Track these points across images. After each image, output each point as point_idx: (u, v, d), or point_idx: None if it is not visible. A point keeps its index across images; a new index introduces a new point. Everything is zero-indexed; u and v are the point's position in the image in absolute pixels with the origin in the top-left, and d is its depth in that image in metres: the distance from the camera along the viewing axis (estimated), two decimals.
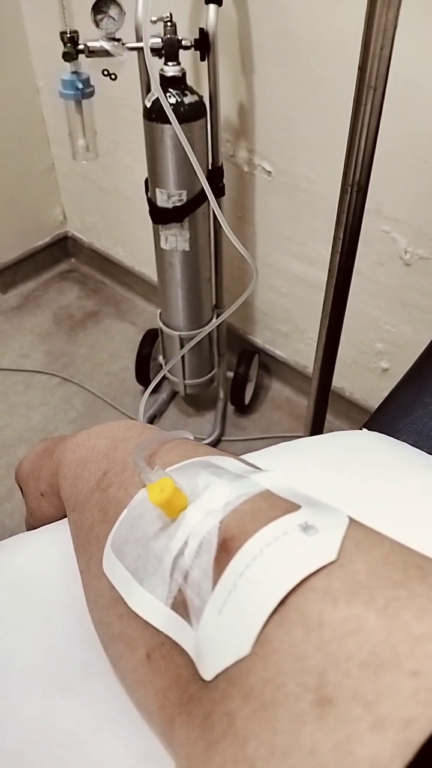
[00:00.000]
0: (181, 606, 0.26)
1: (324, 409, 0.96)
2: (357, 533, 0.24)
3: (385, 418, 0.65)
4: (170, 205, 1.17)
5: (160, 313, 1.37)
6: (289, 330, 1.49)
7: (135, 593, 0.27)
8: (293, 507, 0.26)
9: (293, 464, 0.45)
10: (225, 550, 0.25)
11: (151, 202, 1.19)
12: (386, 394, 1.41)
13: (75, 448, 0.40)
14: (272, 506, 0.26)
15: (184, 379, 1.42)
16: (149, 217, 1.21)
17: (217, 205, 0.60)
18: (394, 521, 0.27)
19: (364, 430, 0.62)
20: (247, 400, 1.52)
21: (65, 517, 0.43)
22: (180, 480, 0.29)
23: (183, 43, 1.06)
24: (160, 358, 1.51)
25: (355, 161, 0.64)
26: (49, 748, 0.29)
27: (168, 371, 1.44)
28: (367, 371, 1.37)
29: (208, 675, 0.23)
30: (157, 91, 0.70)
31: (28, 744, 0.29)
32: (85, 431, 0.42)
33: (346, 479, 0.42)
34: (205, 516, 0.27)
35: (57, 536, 0.41)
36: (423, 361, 0.71)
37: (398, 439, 0.55)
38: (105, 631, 0.30)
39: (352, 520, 0.25)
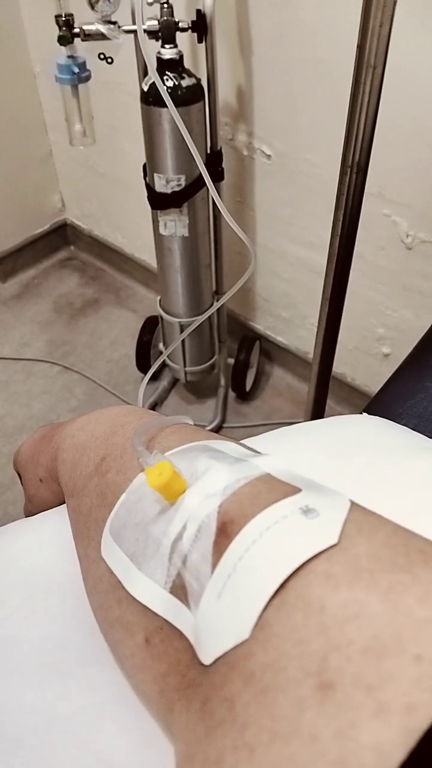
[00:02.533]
0: (179, 590, 0.25)
1: (324, 395, 0.95)
2: (358, 517, 0.24)
3: (386, 402, 0.64)
4: (169, 191, 1.16)
5: (160, 300, 1.36)
6: (290, 316, 1.48)
7: (133, 577, 0.27)
8: (294, 490, 0.26)
9: (293, 448, 0.45)
10: (224, 534, 0.24)
11: (150, 188, 1.18)
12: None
13: (74, 434, 0.40)
14: (272, 489, 0.26)
15: (185, 366, 1.41)
16: (148, 202, 1.20)
17: (215, 190, 0.59)
18: (396, 506, 0.27)
19: (365, 414, 0.62)
20: (248, 387, 1.52)
21: (64, 503, 0.43)
22: (179, 464, 0.29)
23: (180, 25, 1.04)
24: (161, 345, 1.50)
25: (354, 142, 0.63)
26: (48, 734, 0.29)
27: (169, 358, 1.43)
28: (369, 356, 1.37)
29: (207, 659, 0.23)
30: (153, 74, 0.69)
31: (27, 730, 0.29)
32: (84, 416, 0.42)
33: (347, 464, 0.42)
34: (204, 499, 0.26)
35: (56, 522, 0.41)
36: (423, 345, 0.70)
37: (399, 423, 0.55)
38: (103, 615, 0.30)
39: (353, 504, 0.25)
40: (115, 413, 0.41)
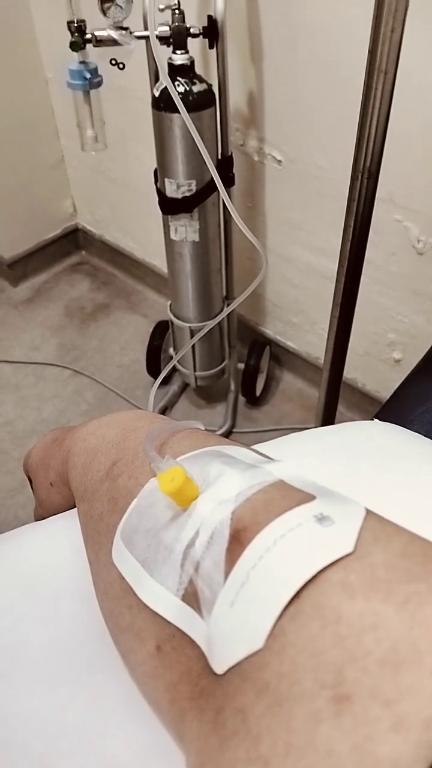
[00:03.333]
0: (192, 597, 0.25)
1: (335, 400, 0.95)
2: (374, 525, 0.24)
3: (397, 409, 0.64)
4: (179, 196, 1.16)
5: (171, 305, 1.36)
6: (300, 321, 1.48)
7: (145, 584, 0.27)
8: (308, 497, 0.25)
9: (303, 454, 0.45)
10: (237, 541, 0.24)
11: (161, 193, 1.19)
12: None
13: (85, 437, 0.40)
14: (286, 496, 0.26)
15: (195, 370, 1.41)
16: (159, 208, 1.20)
17: (226, 195, 0.59)
18: (410, 514, 0.26)
19: (376, 420, 0.62)
20: (258, 392, 1.52)
21: (74, 507, 0.43)
22: (191, 469, 0.28)
23: (191, 31, 1.05)
24: (171, 350, 1.50)
25: (365, 147, 0.63)
26: (57, 741, 0.29)
27: (179, 363, 1.43)
28: (380, 362, 1.36)
29: (219, 668, 0.23)
30: (164, 79, 0.69)
31: (34, 737, 0.29)
32: (95, 420, 0.42)
33: (360, 470, 0.41)
34: (217, 506, 0.26)
35: (66, 526, 0.41)
36: None
37: (410, 429, 0.55)
38: (114, 622, 0.29)
39: (368, 512, 0.25)
40: (126, 417, 0.41)
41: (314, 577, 0.22)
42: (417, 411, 0.61)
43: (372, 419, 0.63)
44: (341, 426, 0.54)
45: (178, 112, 1.10)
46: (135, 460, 0.33)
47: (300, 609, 0.21)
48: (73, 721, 0.29)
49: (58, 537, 0.41)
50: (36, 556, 0.39)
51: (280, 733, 0.19)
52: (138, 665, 0.27)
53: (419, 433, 0.54)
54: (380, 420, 0.62)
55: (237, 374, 1.51)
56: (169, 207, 1.19)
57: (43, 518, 0.45)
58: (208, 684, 0.23)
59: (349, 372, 1.42)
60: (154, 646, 0.26)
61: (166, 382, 1.59)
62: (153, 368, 1.57)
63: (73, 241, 1.99)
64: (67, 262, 1.99)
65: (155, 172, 1.19)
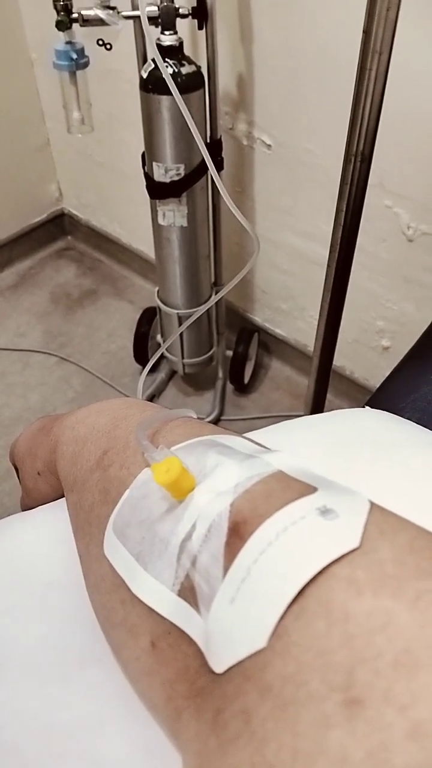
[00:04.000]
0: (188, 592, 0.24)
1: (325, 388, 0.95)
2: (379, 518, 0.23)
3: (389, 396, 0.63)
4: (168, 180, 1.14)
5: (158, 291, 1.35)
6: (289, 308, 1.47)
7: (139, 578, 0.26)
8: (309, 489, 0.24)
9: (297, 443, 0.44)
10: (237, 535, 0.23)
11: (149, 177, 1.17)
12: (388, 373, 1.39)
13: (74, 426, 0.39)
14: (286, 488, 0.25)
15: (183, 358, 1.40)
16: (146, 192, 1.18)
17: (218, 178, 0.58)
18: (408, 504, 0.26)
19: (367, 408, 0.61)
20: (246, 379, 1.51)
21: (62, 497, 0.42)
22: (186, 459, 0.27)
23: (180, 11, 1.03)
24: (159, 336, 1.49)
25: (359, 130, 0.62)
26: (48, 740, 0.28)
27: (166, 350, 1.42)
28: (368, 349, 1.36)
29: (219, 667, 0.22)
30: (156, 58, 0.67)
31: (25, 736, 0.28)
32: (83, 408, 0.41)
33: (352, 459, 0.41)
34: (215, 497, 0.25)
35: (54, 517, 0.40)
36: (427, 337, 0.69)
37: (402, 416, 0.54)
38: (106, 616, 0.29)
39: (372, 504, 0.24)
40: (116, 405, 0.40)
41: (319, 573, 0.21)
42: (408, 398, 0.61)
43: (363, 407, 0.62)
44: (333, 414, 0.53)
45: (167, 94, 1.08)
46: (126, 449, 0.32)
47: (305, 606, 0.20)
48: (64, 718, 0.28)
49: (46, 527, 0.40)
50: (23, 546, 0.39)
51: (287, 738, 0.18)
52: (131, 661, 0.27)
53: (411, 420, 0.54)
54: (372, 407, 0.62)
55: (225, 361, 1.50)
56: (157, 191, 1.17)
57: (30, 508, 0.44)
58: (207, 683, 0.22)
59: (338, 359, 1.41)
60: (148, 642, 0.25)
61: (153, 369, 1.58)
62: (140, 355, 1.56)
63: (59, 226, 1.96)
64: (52, 248, 1.96)
65: (143, 155, 1.17)
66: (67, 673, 0.30)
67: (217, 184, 0.57)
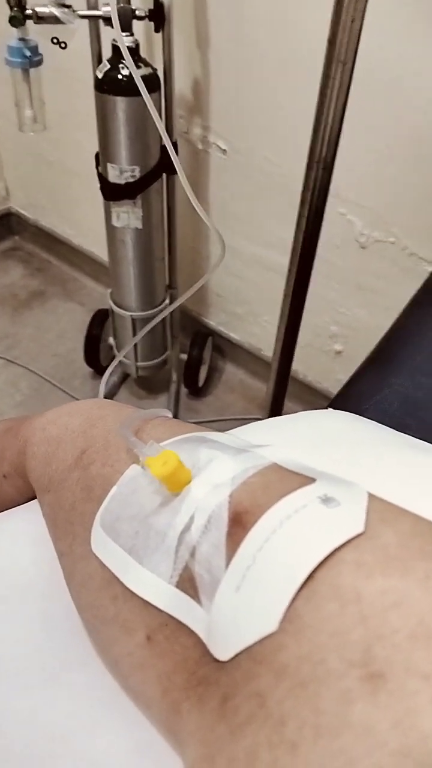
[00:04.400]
0: (187, 584, 0.24)
1: (283, 391, 0.96)
2: (378, 506, 0.24)
3: (351, 399, 0.65)
4: (122, 181, 1.13)
5: (111, 293, 1.34)
6: (243, 312, 1.48)
7: (133, 572, 0.26)
8: (308, 480, 0.25)
9: (278, 442, 0.44)
10: (239, 524, 0.24)
11: (103, 178, 1.16)
12: (340, 376, 1.42)
13: (45, 427, 0.38)
14: (284, 479, 0.25)
15: (137, 361, 1.39)
16: (100, 193, 1.17)
17: (184, 176, 0.57)
18: (398, 497, 0.26)
19: (331, 409, 0.62)
20: (200, 383, 1.51)
21: (29, 500, 0.41)
22: (178, 454, 0.27)
23: (137, 13, 1.02)
24: (110, 339, 1.47)
25: (321, 137, 0.63)
26: (36, 742, 0.27)
27: (119, 353, 1.41)
28: (321, 353, 1.38)
29: (224, 655, 0.22)
30: (126, 59, 0.67)
31: (12, 739, 0.27)
32: (53, 410, 0.40)
33: (326, 457, 0.41)
34: (213, 489, 0.25)
35: (23, 519, 0.39)
36: (386, 342, 0.71)
37: (365, 417, 0.55)
38: (95, 614, 0.28)
39: (370, 494, 0.24)
40: (87, 406, 0.39)
41: (327, 558, 0.21)
42: (370, 401, 0.62)
43: (326, 409, 0.63)
44: (301, 415, 0.54)
45: (122, 95, 1.07)
46: (108, 447, 0.32)
47: (315, 590, 0.21)
48: (52, 720, 0.28)
49: (15, 531, 0.39)
50: None
51: (308, 715, 0.19)
52: (123, 657, 0.26)
53: (373, 421, 0.55)
54: (334, 410, 0.63)
55: (179, 365, 1.49)
56: (112, 193, 1.16)
57: None
58: (210, 672, 0.23)
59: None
60: (143, 636, 0.25)
61: (104, 372, 1.56)
62: (91, 358, 1.54)
63: (6, 225, 1.91)
64: None
65: (96, 156, 1.16)
66: (51, 676, 0.30)
67: (183, 185, 0.57)
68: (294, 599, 0.21)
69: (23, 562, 0.36)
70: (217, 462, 0.27)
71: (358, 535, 0.22)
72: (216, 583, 0.23)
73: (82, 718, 0.28)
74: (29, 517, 0.38)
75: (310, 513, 0.23)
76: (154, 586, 0.25)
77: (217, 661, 0.22)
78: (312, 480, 0.25)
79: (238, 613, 0.22)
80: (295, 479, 0.25)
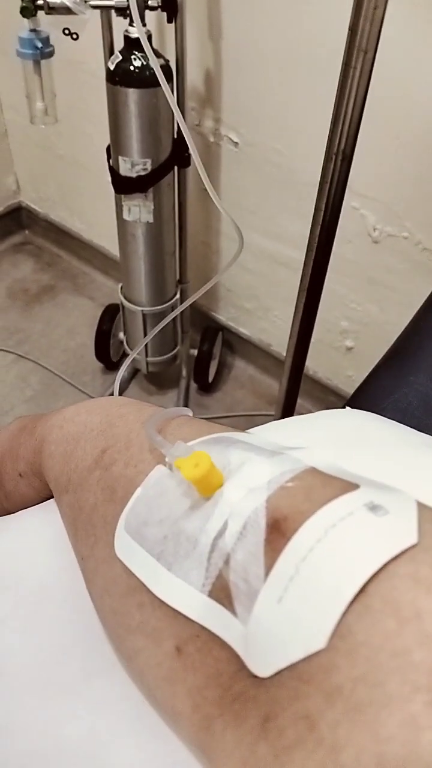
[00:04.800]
0: (221, 593, 0.23)
1: (297, 388, 0.95)
2: (428, 515, 0.22)
3: (368, 398, 0.63)
4: (134, 175, 1.12)
5: (122, 288, 1.33)
6: (253, 307, 1.47)
7: (161, 579, 0.25)
8: (350, 486, 0.23)
9: (308, 444, 0.43)
10: (278, 531, 0.22)
11: (114, 171, 1.15)
12: (351, 373, 1.40)
13: (62, 424, 0.37)
14: (326, 484, 0.24)
15: (147, 356, 1.38)
16: (111, 186, 1.16)
17: (201, 164, 0.56)
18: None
19: (348, 408, 0.61)
20: (210, 378, 1.50)
21: (45, 500, 0.40)
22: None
23: (149, 3, 1.01)
24: (121, 334, 1.47)
25: (341, 128, 0.62)
26: (57, 758, 0.26)
27: (130, 349, 1.40)
28: (332, 349, 1.37)
29: (265, 671, 0.21)
30: (147, 51, 0.65)
31: (31, 756, 0.26)
32: (71, 407, 0.39)
33: (369, 461, 0.40)
34: (248, 494, 0.24)
35: (41, 520, 0.38)
36: (404, 339, 0.70)
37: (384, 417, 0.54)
38: (119, 622, 0.27)
39: (418, 501, 0.23)
40: (107, 403, 0.38)
41: (379, 571, 0.20)
42: (388, 399, 0.61)
43: (343, 407, 0.62)
44: (316, 415, 0.53)
45: (135, 87, 1.06)
46: (130, 447, 0.31)
47: (368, 605, 0.19)
48: (72, 734, 0.27)
49: (32, 532, 0.38)
50: (10, 553, 0.36)
51: (368, 743, 0.17)
52: (150, 668, 0.25)
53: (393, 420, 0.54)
54: (352, 408, 0.61)
55: (189, 360, 1.48)
56: (123, 186, 1.15)
57: (9, 512, 0.42)
58: (247, 688, 0.21)
59: None
60: (172, 647, 0.24)
61: (115, 367, 1.55)
62: (102, 353, 1.53)
63: (16, 219, 1.91)
64: (9, 242, 1.91)
65: (108, 149, 1.15)
66: (71, 686, 0.28)
67: (200, 174, 0.56)
68: (345, 614, 0.19)
69: (40, 564, 0.35)
70: (250, 464, 0.25)
71: (412, 547, 0.20)
72: (254, 594, 0.22)
73: (102, 732, 0.27)
74: (46, 518, 0.37)
75: (358, 521, 0.21)
76: (185, 595, 0.24)
77: (254, 677, 0.21)
78: (355, 486, 0.23)
79: (281, 627, 0.21)
80: (338, 484, 0.24)
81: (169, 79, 1.07)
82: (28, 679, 0.29)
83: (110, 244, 1.66)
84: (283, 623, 0.20)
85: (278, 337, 1.46)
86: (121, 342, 1.48)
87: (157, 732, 0.26)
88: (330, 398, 1.44)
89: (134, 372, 1.55)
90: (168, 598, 0.24)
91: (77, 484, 0.32)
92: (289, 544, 0.22)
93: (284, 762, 0.19)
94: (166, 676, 0.24)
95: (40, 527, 0.37)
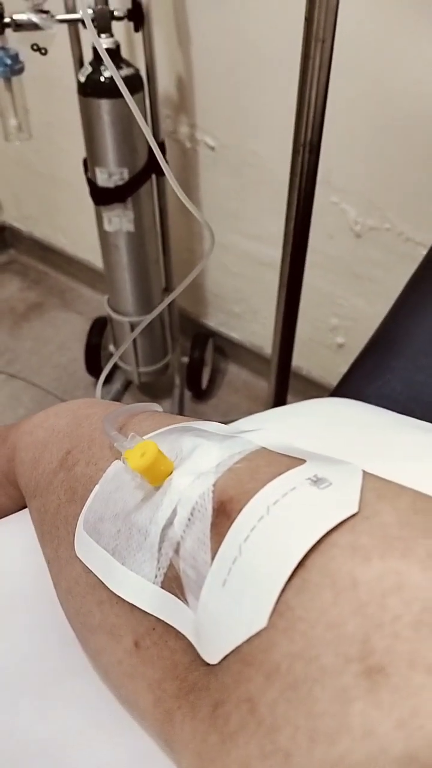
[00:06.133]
0: (173, 583, 0.22)
1: (285, 387, 0.94)
2: (375, 484, 0.21)
3: (352, 386, 0.63)
4: (112, 184, 1.12)
5: (108, 299, 1.32)
6: (241, 311, 1.46)
7: (116, 574, 0.24)
8: (297, 462, 0.23)
9: (277, 428, 0.42)
10: (223, 514, 0.21)
11: (92, 183, 1.14)
12: (343, 370, 1.39)
13: (32, 431, 0.37)
14: (272, 462, 0.23)
15: (138, 366, 1.37)
16: (90, 198, 1.16)
17: (171, 175, 0.56)
18: (406, 478, 0.24)
19: (332, 397, 0.60)
20: (204, 385, 1.49)
21: (23, 509, 0.40)
22: (161, 446, 0.26)
23: (115, 13, 1.01)
24: (111, 346, 1.46)
25: (305, 119, 0.61)
26: (26, 761, 0.25)
27: (121, 360, 1.39)
28: (323, 347, 1.36)
29: (213, 658, 0.20)
30: (105, 60, 0.65)
31: (3, 758, 0.26)
32: (41, 412, 0.39)
33: (340, 440, 0.39)
34: (196, 479, 0.23)
35: (16, 529, 0.37)
36: (384, 328, 0.69)
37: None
38: (82, 621, 0.26)
39: (365, 472, 0.22)
40: (76, 406, 0.38)
41: (319, 543, 0.19)
42: (372, 386, 0.60)
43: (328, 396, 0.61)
44: (297, 404, 0.52)
45: (106, 98, 1.06)
46: (92, 445, 0.30)
47: (307, 579, 0.19)
48: (42, 736, 0.26)
49: (7, 540, 0.37)
50: None
51: (302, 720, 0.17)
52: (113, 666, 0.24)
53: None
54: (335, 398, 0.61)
55: (181, 368, 1.48)
56: (102, 197, 1.15)
57: None
58: (200, 677, 0.21)
59: (294, 360, 1.41)
60: (131, 642, 0.23)
61: (108, 380, 1.55)
62: (93, 367, 1.52)
63: (0, 239, 1.91)
64: None
65: (84, 161, 1.14)
66: (42, 688, 0.28)
67: (171, 184, 0.55)
68: (284, 591, 0.19)
69: (15, 571, 0.34)
70: (200, 450, 0.25)
71: (353, 516, 0.20)
72: (202, 580, 0.21)
73: (75, 732, 0.26)
74: (20, 527, 0.37)
75: (299, 495, 0.21)
76: (139, 588, 0.23)
77: (207, 665, 0.20)
78: (302, 461, 0.23)
79: (226, 611, 0.20)
80: (284, 461, 0.23)
81: (141, 87, 1.07)
82: (1, 681, 0.28)
83: (95, 258, 1.66)
84: (228, 606, 0.20)
85: (269, 339, 1.46)
86: (112, 355, 1.47)
87: (127, 729, 0.25)
88: (325, 397, 1.43)
89: (127, 384, 1.55)
90: (123, 592, 0.24)
91: (43, 488, 0.32)
92: (232, 525, 0.21)
93: (230, 748, 0.18)
94: (126, 672, 0.23)
95: (14, 536, 0.37)
